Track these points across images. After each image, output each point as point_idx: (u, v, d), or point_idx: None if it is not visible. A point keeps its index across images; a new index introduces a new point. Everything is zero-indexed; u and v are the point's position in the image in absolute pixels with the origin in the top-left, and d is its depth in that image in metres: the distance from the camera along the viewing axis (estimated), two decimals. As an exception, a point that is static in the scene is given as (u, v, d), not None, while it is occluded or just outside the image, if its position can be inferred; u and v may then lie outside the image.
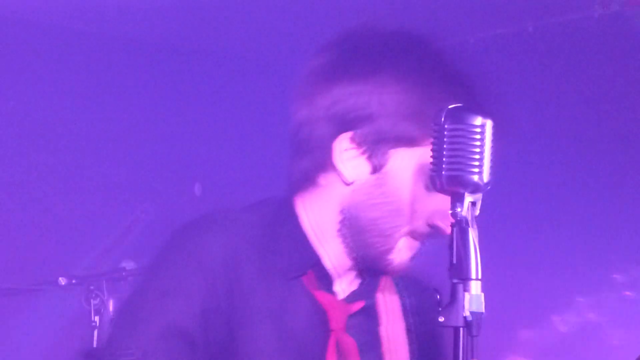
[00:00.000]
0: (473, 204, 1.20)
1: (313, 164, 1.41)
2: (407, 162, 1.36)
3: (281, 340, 1.39)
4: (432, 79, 1.34)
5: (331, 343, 1.41)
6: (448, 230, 1.28)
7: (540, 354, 2.54)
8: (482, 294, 1.19)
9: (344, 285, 1.46)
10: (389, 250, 1.39)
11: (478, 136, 1.19)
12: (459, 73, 1.39)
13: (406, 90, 1.34)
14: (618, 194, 3.45)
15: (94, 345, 2.95)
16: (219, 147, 4.07)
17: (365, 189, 1.38)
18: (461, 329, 1.19)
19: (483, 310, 1.20)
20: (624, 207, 3.39)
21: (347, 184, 1.39)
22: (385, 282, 1.50)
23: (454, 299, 1.20)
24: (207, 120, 4.07)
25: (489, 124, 1.19)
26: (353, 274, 1.45)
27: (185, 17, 3.69)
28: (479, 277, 1.19)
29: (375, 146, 1.36)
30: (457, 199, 1.21)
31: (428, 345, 1.51)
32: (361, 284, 1.47)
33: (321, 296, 1.41)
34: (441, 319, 1.21)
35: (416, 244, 1.41)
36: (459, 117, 1.20)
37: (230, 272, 1.37)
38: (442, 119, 1.20)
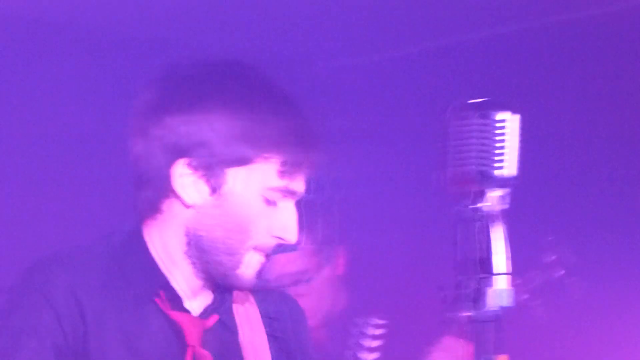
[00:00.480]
0: (500, 198, 1.21)
1: (155, 193, 1.46)
2: (244, 180, 1.43)
3: None
4: (257, 101, 1.43)
5: (188, 357, 1.46)
6: (293, 238, 1.45)
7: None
8: (512, 289, 1.20)
9: (198, 302, 1.51)
10: (235, 267, 1.44)
11: (503, 130, 1.20)
12: (283, 93, 1.48)
13: (234, 113, 1.43)
14: (546, 175, 3.50)
15: None
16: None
17: (207, 210, 1.45)
18: (490, 324, 1.20)
19: (512, 304, 1.20)
20: (552, 187, 3.44)
21: (188, 207, 1.44)
22: (241, 293, 1.56)
23: (482, 294, 1.21)
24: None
25: (513, 118, 1.20)
26: (206, 291, 1.51)
27: (182, 16, 3.71)
28: (509, 271, 1.19)
29: (211, 168, 1.43)
30: (480, 194, 1.22)
31: (292, 348, 1.59)
32: (214, 300, 1.52)
33: (175, 315, 1.46)
34: (470, 314, 1.22)
35: (262, 257, 1.47)
36: (483, 112, 1.21)
37: (79, 306, 1.41)
38: (468, 114, 1.20)
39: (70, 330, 1.41)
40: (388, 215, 3.43)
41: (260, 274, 1.50)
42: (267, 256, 1.49)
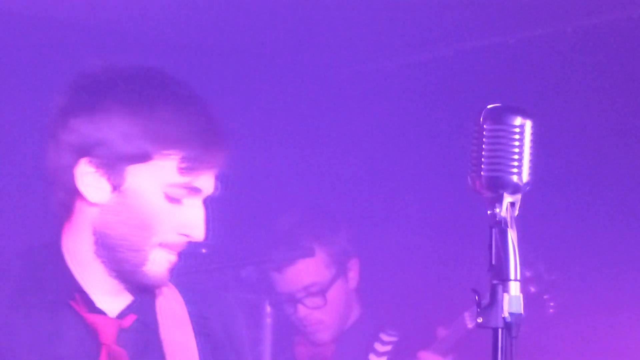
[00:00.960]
0: (512, 204, 1.20)
1: (64, 194, 1.50)
2: (144, 177, 1.45)
3: None
4: (157, 100, 1.46)
5: (102, 356, 1.48)
6: (198, 236, 1.47)
7: (449, 349, 2.64)
8: (521, 295, 1.19)
9: (117, 303, 1.53)
10: (141, 263, 1.47)
11: (517, 136, 1.19)
12: (187, 94, 1.52)
13: (133, 112, 1.46)
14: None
15: None
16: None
17: (110, 208, 1.47)
18: (500, 330, 1.20)
19: (522, 312, 1.19)
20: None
21: (93, 206, 1.47)
22: (168, 294, 1.59)
23: (493, 300, 1.20)
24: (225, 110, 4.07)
25: (528, 124, 1.19)
26: (125, 292, 1.53)
27: (188, 13, 3.71)
28: (518, 277, 1.19)
29: (111, 166, 1.45)
30: (496, 200, 1.21)
31: (224, 346, 1.62)
32: (133, 300, 1.54)
33: (89, 317, 1.49)
34: (480, 320, 1.21)
35: (171, 255, 1.49)
36: (498, 117, 1.20)
37: None
38: (481, 120, 1.20)
39: None
40: (405, 223, 3.41)
41: (169, 272, 1.51)
42: (175, 254, 1.51)
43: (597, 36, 3.37)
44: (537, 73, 3.45)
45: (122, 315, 1.53)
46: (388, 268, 3.57)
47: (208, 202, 1.52)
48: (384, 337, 2.94)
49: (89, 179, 1.46)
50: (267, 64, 3.89)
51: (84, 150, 1.46)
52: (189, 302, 1.61)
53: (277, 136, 3.85)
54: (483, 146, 1.19)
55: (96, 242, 1.49)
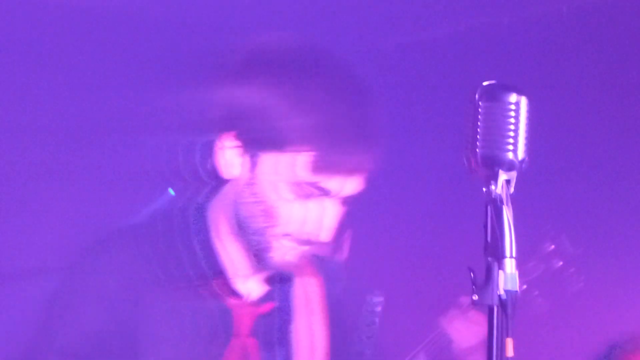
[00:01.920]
0: (507, 182, 1.20)
1: (208, 169, 1.47)
2: (276, 167, 1.40)
3: (183, 348, 1.46)
4: (307, 89, 1.38)
5: (232, 346, 1.47)
6: (323, 237, 1.41)
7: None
8: (517, 273, 1.19)
9: (254, 286, 1.51)
10: (267, 249, 1.43)
11: (513, 113, 1.18)
12: (349, 91, 1.42)
13: (280, 97, 1.39)
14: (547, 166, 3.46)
15: None
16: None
17: (240, 188, 1.44)
18: (496, 308, 1.19)
19: (518, 289, 1.19)
20: (552, 176, 3.48)
21: (229, 181, 1.45)
22: (306, 278, 1.56)
23: (488, 277, 1.20)
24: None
25: (523, 100, 1.19)
26: (263, 274, 1.50)
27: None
28: (514, 255, 1.18)
29: (249, 147, 1.42)
30: (491, 177, 1.21)
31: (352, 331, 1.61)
32: (273, 287, 1.51)
33: (230, 300, 1.47)
34: (475, 298, 1.21)
35: (298, 246, 1.44)
36: (493, 95, 1.19)
37: (131, 288, 1.44)
38: (477, 97, 1.19)
39: (122, 311, 1.43)
40: (401, 202, 3.44)
41: (298, 261, 1.47)
42: (304, 246, 1.45)
43: (593, 15, 3.37)
44: (533, 52, 3.45)
45: (260, 302, 1.51)
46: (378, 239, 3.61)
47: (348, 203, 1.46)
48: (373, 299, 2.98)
49: (228, 155, 1.43)
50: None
51: (228, 125, 1.43)
52: (329, 285, 1.58)
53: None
54: (478, 123, 1.18)
55: (230, 220, 1.46)
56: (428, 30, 3.61)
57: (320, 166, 1.36)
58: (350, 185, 1.41)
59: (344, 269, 1.65)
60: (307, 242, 1.44)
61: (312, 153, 1.36)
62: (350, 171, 1.39)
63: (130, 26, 3.63)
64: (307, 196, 1.40)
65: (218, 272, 1.47)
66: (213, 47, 1.62)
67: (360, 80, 1.44)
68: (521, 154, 1.18)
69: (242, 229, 1.44)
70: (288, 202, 1.41)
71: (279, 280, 1.51)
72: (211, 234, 1.48)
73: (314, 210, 1.41)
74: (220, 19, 3.51)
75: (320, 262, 1.59)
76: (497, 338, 1.19)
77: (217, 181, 1.47)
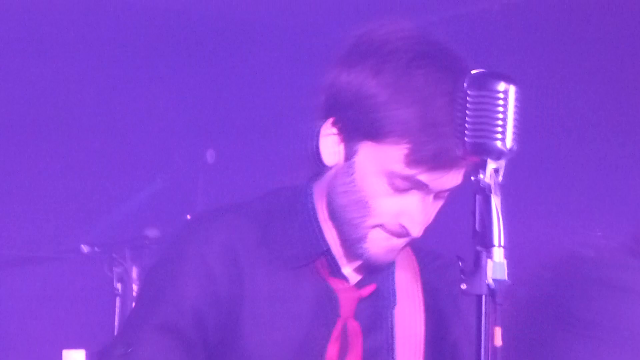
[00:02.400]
0: (496, 170, 1.20)
1: (312, 152, 1.48)
2: (373, 158, 1.40)
3: (286, 328, 1.46)
4: (409, 82, 1.37)
5: (337, 328, 1.46)
6: (414, 232, 1.39)
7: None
8: (505, 261, 1.19)
9: (354, 269, 1.51)
10: (360, 239, 1.43)
11: (501, 102, 1.18)
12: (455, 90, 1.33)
13: (380, 89, 1.39)
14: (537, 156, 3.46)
15: (116, 312, 3.05)
16: (232, 112, 4.10)
17: (338, 176, 1.45)
18: (484, 297, 1.19)
19: (506, 278, 1.19)
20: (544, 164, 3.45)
21: (327, 168, 1.45)
22: (405, 262, 1.54)
23: (477, 266, 1.20)
24: (220, 86, 4.10)
25: (512, 89, 1.18)
26: (361, 261, 1.50)
27: None
28: (502, 244, 1.18)
29: (350, 134, 1.42)
30: (479, 166, 1.20)
31: (444, 321, 1.55)
32: (374, 270, 1.51)
33: (334, 282, 1.47)
34: (464, 287, 1.21)
35: (391, 238, 1.44)
36: (482, 83, 1.19)
37: (231, 265, 1.44)
38: (465, 85, 1.19)
39: (225, 291, 1.44)
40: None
41: (390, 253, 1.47)
42: (398, 238, 1.45)
43: (584, 1, 3.38)
44: (523, 40, 3.46)
45: (361, 284, 1.50)
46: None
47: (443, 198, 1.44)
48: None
49: (329, 141, 1.44)
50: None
51: (329, 111, 1.44)
52: (424, 271, 1.56)
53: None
54: (467, 112, 1.18)
55: (328, 205, 1.47)
56: (416, 18, 3.64)
57: (418, 159, 1.35)
58: (447, 180, 1.40)
59: (437, 256, 1.63)
60: (400, 235, 1.43)
61: (411, 146, 1.35)
62: (448, 166, 1.37)
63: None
64: (403, 189, 1.40)
65: (323, 253, 1.47)
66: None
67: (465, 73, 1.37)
68: (509, 142, 1.18)
69: (336, 218, 1.46)
70: (383, 194, 1.40)
71: (379, 266, 1.50)
72: (317, 216, 1.49)
73: (408, 204, 1.40)
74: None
75: (415, 250, 1.58)
76: (485, 327, 1.19)
77: (320, 166, 1.47)
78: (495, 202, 1.19)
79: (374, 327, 1.51)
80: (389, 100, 1.38)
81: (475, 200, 1.21)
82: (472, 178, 1.20)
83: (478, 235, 1.20)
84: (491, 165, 1.19)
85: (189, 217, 2.07)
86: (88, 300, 3.56)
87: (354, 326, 1.47)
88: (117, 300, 3.04)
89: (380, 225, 1.42)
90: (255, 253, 1.46)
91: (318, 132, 1.46)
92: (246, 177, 3.87)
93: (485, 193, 1.20)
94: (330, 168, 1.46)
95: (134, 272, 3.06)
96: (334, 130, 1.44)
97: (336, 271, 1.49)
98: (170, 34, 3.86)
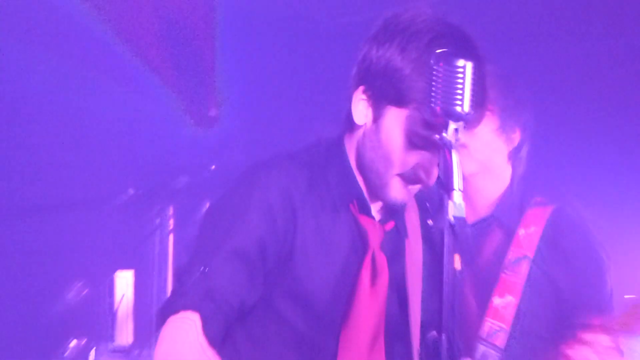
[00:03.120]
0: (456, 130, 1.48)
1: (347, 110, 1.76)
2: (396, 119, 1.68)
3: (328, 257, 1.73)
4: (429, 59, 1.53)
5: (368, 257, 1.74)
6: (429, 182, 1.66)
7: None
8: (464, 203, 1.48)
9: (378, 209, 1.79)
10: (384, 186, 1.71)
11: (460, 75, 1.46)
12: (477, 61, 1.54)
13: (405, 64, 1.66)
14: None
15: (156, 241, 3.71)
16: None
17: (367, 134, 1.72)
18: (446, 230, 1.49)
19: (464, 215, 1.48)
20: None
21: (358, 128, 1.73)
22: (411, 205, 1.83)
23: (440, 206, 1.49)
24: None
25: (469, 65, 1.45)
26: (383, 203, 1.78)
27: None
28: (461, 188, 1.47)
29: (377, 100, 1.70)
30: (443, 127, 1.49)
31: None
32: (392, 209, 1.78)
33: (363, 220, 1.75)
34: (430, 222, 1.51)
35: (408, 185, 1.72)
36: (445, 60, 1.47)
37: (287, 205, 1.71)
38: (432, 62, 1.47)
39: (282, 226, 1.69)
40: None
41: (407, 197, 1.73)
42: (414, 185, 1.71)
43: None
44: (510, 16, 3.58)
45: (384, 221, 1.78)
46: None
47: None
48: None
49: (360, 105, 1.72)
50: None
51: (364, 79, 1.72)
52: (421, 210, 1.85)
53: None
54: (433, 83, 1.46)
55: (357, 159, 1.75)
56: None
57: (434, 122, 1.53)
58: (456, 135, 1.56)
59: (428, 199, 1.90)
60: (415, 183, 1.71)
61: (427, 111, 1.52)
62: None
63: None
64: (420, 146, 1.66)
65: (356, 196, 1.76)
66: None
67: (477, 52, 1.65)
68: (467, 108, 1.46)
69: (364, 169, 1.74)
70: (404, 150, 1.67)
71: (397, 207, 1.78)
72: (350, 165, 1.77)
73: (425, 158, 1.67)
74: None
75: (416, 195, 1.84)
76: (447, 254, 1.48)
77: (352, 125, 1.76)
78: (455, 155, 1.48)
79: (395, 257, 1.78)
80: (411, 73, 1.64)
81: (439, 154, 1.50)
82: (437, 136, 1.50)
83: (441, 182, 1.49)
84: (452, 126, 1.48)
85: (213, 167, 2.36)
86: (134, 233, 3.89)
87: (380, 256, 1.75)
88: (157, 232, 3.62)
89: (400, 175, 1.69)
90: (304, 196, 1.72)
91: (351, 97, 1.73)
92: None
93: (447, 148, 1.49)
94: (359, 127, 1.74)
95: (170, 210, 3.67)
96: (364, 96, 1.71)
97: (366, 211, 1.76)
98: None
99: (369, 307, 1.72)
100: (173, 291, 1.74)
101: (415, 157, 1.68)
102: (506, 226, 2.30)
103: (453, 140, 1.48)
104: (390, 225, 1.79)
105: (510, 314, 2.19)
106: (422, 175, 1.68)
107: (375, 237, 1.75)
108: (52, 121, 3.99)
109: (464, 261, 1.48)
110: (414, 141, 1.66)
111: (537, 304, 2.19)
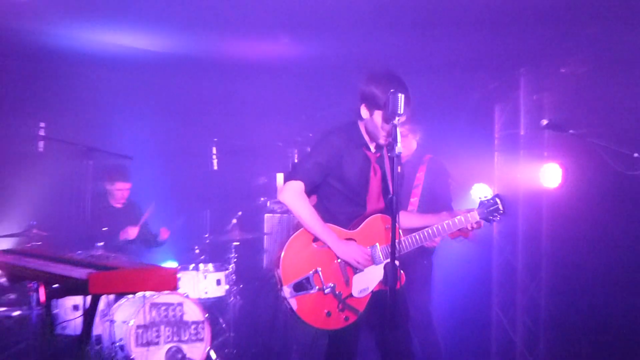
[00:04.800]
0: (398, 119, 3.54)
1: (359, 111, 3.87)
2: (379, 115, 3.73)
3: (354, 165, 3.86)
4: (392, 89, 3.58)
5: (371, 166, 3.89)
6: (398, 148, 3.56)
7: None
8: (402, 150, 3.57)
9: (373, 148, 3.91)
10: (377, 139, 3.85)
11: (400, 98, 3.50)
12: (403, 87, 3.65)
13: (380, 94, 3.69)
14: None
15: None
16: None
17: (367, 122, 3.83)
18: (395, 158, 3.60)
19: (401, 154, 3.61)
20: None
21: (362, 118, 3.87)
22: (385, 147, 3.86)
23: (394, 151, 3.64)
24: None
25: (402, 95, 3.50)
26: (374, 144, 3.92)
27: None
28: (400, 146, 3.55)
29: (370, 107, 3.76)
30: (393, 118, 3.53)
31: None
32: (378, 147, 3.90)
33: (367, 152, 3.88)
34: (391, 155, 3.73)
35: (388, 138, 3.74)
36: (395, 92, 3.52)
37: (337, 146, 3.82)
38: (391, 92, 3.55)
39: (336, 155, 3.77)
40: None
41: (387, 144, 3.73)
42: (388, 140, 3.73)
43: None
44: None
45: (375, 153, 3.85)
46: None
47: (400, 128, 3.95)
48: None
49: (363, 109, 3.75)
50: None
51: (364, 99, 3.74)
52: (388, 147, 3.73)
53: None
54: (391, 101, 3.50)
55: (365, 130, 3.83)
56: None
57: (388, 119, 3.59)
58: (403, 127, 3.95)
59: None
60: (387, 138, 3.71)
61: (389, 112, 3.48)
62: (403, 122, 3.60)
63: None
64: (387, 125, 3.65)
65: (364, 144, 3.84)
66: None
67: (407, 90, 3.64)
68: (401, 111, 3.49)
69: (368, 133, 3.80)
70: (383, 127, 3.69)
71: (382, 147, 3.83)
72: (361, 133, 3.84)
73: (388, 130, 3.64)
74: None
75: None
76: (395, 167, 3.52)
77: (360, 118, 3.81)
78: (399, 135, 3.54)
79: (382, 166, 3.81)
80: (382, 97, 3.63)
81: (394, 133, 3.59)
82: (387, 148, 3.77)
83: (393, 143, 3.58)
84: (396, 118, 3.53)
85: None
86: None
87: (375, 165, 3.85)
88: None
89: (383, 136, 3.72)
90: (345, 143, 3.80)
91: (359, 108, 3.76)
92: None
93: (394, 137, 3.53)
94: (363, 118, 3.79)
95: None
96: (364, 107, 3.75)
97: (368, 149, 3.83)
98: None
99: (374, 184, 3.86)
100: (291, 171, 3.83)
101: (386, 129, 3.71)
102: (413, 164, 4.89)
103: (398, 132, 3.53)
104: (378, 154, 3.86)
105: (416, 201, 4.81)
106: (388, 136, 3.69)
107: (373, 158, 3.84)
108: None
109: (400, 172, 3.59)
110: (384, 123, 3.68)
111: (427, 199, 4.83)
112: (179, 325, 5.35)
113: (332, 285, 3.55)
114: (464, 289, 6.10)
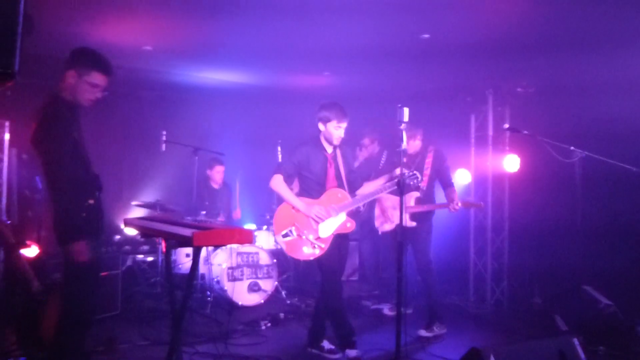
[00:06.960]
0: (402, 130, 3.55)
1: (318, 127, 3.88)
2: (331, 126, 3.83)
3: (317, 162, 3.87)
4: (337, 111, 3.84)
5: (329, 162, 3.89)
6: (339, 137, 3.88)
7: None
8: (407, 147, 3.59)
9: (330, 149, 3.91)
10: (333, 140, 3.87)
11: (405, 110, 3.52)
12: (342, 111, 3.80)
13: (329, 113, 3.83)
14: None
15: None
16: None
17: (324, 132, 3.86)
18: (402, 153, 3.61)
19: (406, 148, 3.60)
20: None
21: (322, 131, 3.88)
22: (338, 147, 3.97)
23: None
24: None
25: (406, 109, 3.52)
26: (331, 147, 3.95)
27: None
28: (405, 145, 3.57)
29: (324, 122, 3.83)
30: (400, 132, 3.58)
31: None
32: (334, 148, 3.92)
33: (325, 152, 3.87)
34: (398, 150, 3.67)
35: (339, 140, 3.86)
36: (400, 107, 3.55)
37: (306, 151, 3.85)
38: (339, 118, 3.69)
39: (305, 156, 3.87)
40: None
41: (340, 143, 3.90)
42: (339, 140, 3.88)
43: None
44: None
45: (330, 152, 3.90)
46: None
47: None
48: None
49: (320, 125, 3.84)
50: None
51: (320, 119, 3.83)
52: (340, 146, 4.02)
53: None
54: (339, 125, 3.55)
55: (323, 137, 3.92)
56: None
57: (340, 124, 3.79)
58: (344, 126, 3.84)
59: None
60: (340, 139, 3.86)
61: (336, 121, 3.77)
62: (344, 126, 3.81)
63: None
64: (338, 128, 3.78)
65: (322, 148, 3.89)
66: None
67: (343, 108, 3.81)
68: (406, 118, 3.55)
69: (325, 140, 3.83)
70: (337, 132, 3.79)
71: (336, 147, 3.93)
72: (321, 142, 3.87)
73: (341, 132, 3.80)
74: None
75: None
76: (401, 199, 3.58)
77: (320, 131, 3.85)
78: (405, 140, 3.56)
79: (336, 160, 3.82)
80: (331, 116, 3.77)
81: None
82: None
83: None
84: (402, 125, 3.56)
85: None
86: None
87: (330, 161, 3.83)
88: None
89: (336, 138, 3.79)
90: (311, 148, 3.81)
91: (317, 123, 3.78)
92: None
93: (401, 152, 3.55)
94: (321, 131, 3.82)
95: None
96: (321, 122, 3.77)
97: (326, 150, 3.82)
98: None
99: (330, 172, 3.86)
100: (276, 168, 3.86)
101: (339, 132, 3.80)
102: (421, 155, 4.73)
103: (404, 134, 3.56)
104: (333, 154, 3.88)
105: (426, 179, 4.70)
106: (342, 137, 3.81)
107: (329, 157, 3.85)
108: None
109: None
110: (335, 128, 3.78)
111: (433, 177, 4.76)
112: (256, 266, 5.37)
113: (305, 232, 3.78)
114: (450, 242, 6.10)
